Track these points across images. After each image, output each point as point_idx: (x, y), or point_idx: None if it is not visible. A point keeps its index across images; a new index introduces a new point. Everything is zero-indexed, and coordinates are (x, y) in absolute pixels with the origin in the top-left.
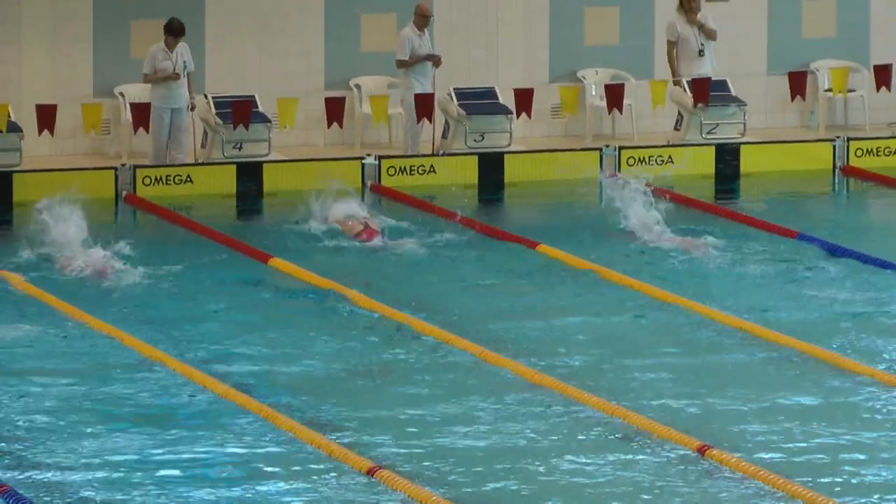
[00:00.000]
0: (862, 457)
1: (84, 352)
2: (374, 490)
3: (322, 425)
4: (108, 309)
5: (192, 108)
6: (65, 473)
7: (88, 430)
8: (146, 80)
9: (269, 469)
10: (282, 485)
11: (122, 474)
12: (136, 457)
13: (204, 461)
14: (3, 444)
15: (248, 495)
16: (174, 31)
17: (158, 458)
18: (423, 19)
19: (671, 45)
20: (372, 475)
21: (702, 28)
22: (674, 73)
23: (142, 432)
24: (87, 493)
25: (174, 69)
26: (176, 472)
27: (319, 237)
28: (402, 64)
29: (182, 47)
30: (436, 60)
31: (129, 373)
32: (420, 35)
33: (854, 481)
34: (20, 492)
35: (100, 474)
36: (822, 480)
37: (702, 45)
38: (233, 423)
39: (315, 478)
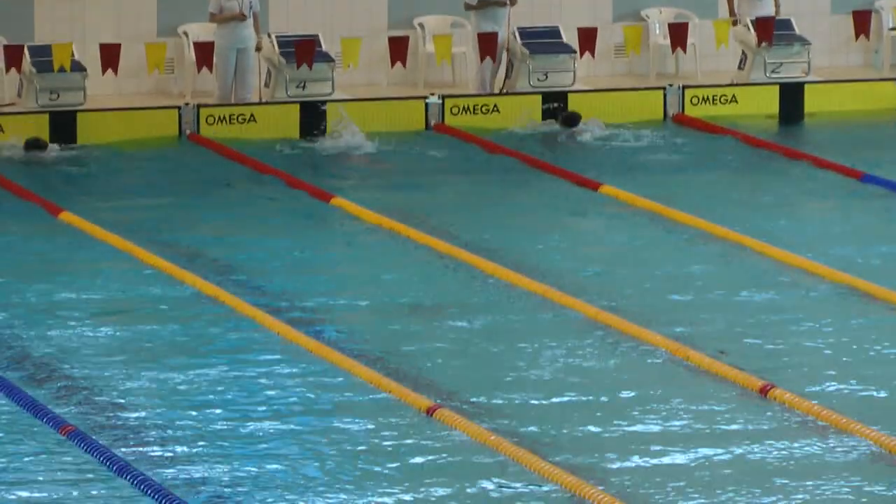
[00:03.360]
0: None
1: (141, 290)
2: (435, 429)
3: (381, 363)
4: (167, 248)
5: (259, 49)
6: (126, 411)
7: (148, 365)
8: (212, 19)
9: (328, 406)
10: (340, 422)
11: (182, 411)
12: (199, 394)
13: (263, 398)
14: (69, 383)
15: (305, 431)
16: None
17: (225, 396)
18: None
19: None
20: (431, 414)
21: None
22: (731, 12)
23: (206, 369)
24: (143, 427)
25: (240, 9)
26: (237, 407)
27: (384, 177)
28: (468, 6)
29: None
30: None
31: (190, 311)
32: None
33: None
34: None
35: (159, 410)
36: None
37: None
38: (295, 362)
39: (374, 416)
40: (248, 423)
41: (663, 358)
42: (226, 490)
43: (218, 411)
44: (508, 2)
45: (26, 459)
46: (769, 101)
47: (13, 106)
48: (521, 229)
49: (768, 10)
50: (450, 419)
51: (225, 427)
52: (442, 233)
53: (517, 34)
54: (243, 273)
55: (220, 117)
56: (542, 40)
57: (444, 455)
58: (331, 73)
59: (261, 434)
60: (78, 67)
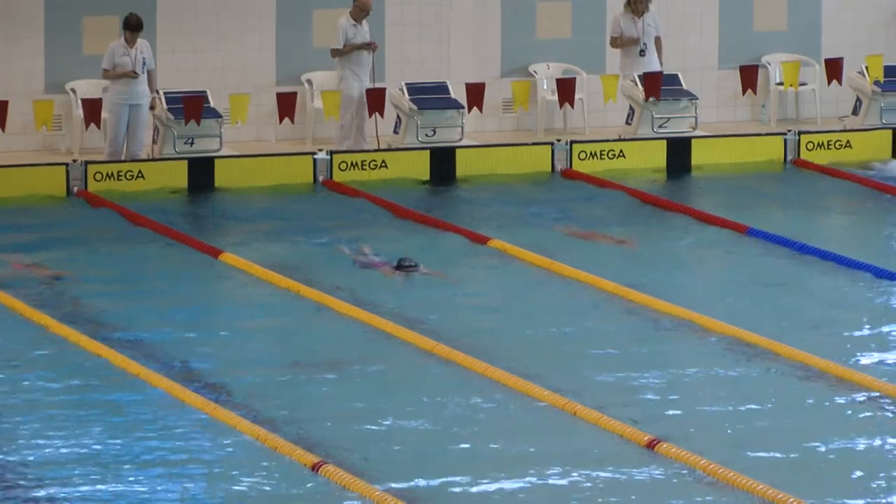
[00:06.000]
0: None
1: (27, 348)
2: (320, 484)
3: (267, 420)
4: (56, 308)
5: (153, 108)
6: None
7: (30, 421)
8: (105, 75)
9: (211, 462)
10: (224, 480)
11: (65, 468)
12: (81, 450)
13: (145, 457)
14: None
15: (187, 485)
16: (131, 26)
17: (107, 450)
18: (360, 12)
19: (614, 39)
20: (317, 470)
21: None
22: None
23: (87, 424)
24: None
25: (133, 66)
26: (117, 467)
27: (272, 233)
28: (335, 53)
29: (143, 44)
30: (372, 46)
31: (77, 369)
32: (356, 25)
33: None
34: None
35: (41, 466)
36: (772, 471)
37: (644, 44)
38: (179, 418)
39: (258, 472)
40: (127, 483)
41: (549, 411)
42: None
43: (99, 466)
44: (371, 49)
45: None
46: (657, 156)
47: None
48: (409, 283)
49: (654, 65)
50: (335, 475)
51: (106, 481)
52: (328, 287)
53: (405, 89)
54: (127, 328)
55: (108, 174)
56: (431, 96)
57: None
58: (219, 129)
59: (140, 490)
60: None
